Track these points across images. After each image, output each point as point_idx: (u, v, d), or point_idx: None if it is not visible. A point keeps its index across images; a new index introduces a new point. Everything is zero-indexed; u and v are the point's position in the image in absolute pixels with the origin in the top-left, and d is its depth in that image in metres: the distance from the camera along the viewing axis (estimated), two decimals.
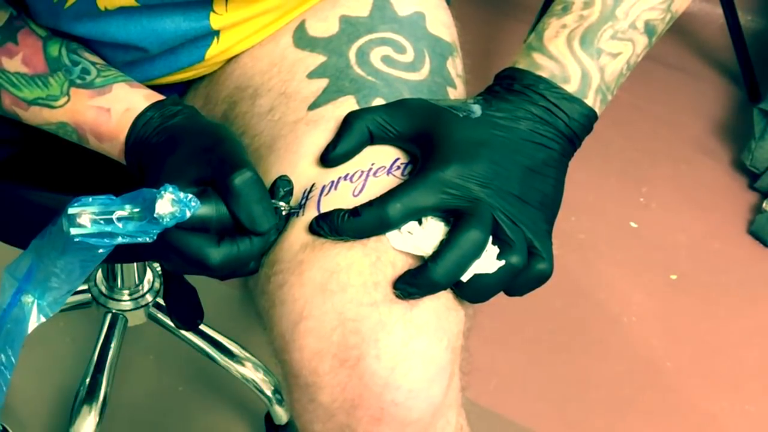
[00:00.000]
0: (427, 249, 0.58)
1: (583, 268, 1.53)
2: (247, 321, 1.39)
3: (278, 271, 0.60)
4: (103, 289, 1.17)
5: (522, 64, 0.64)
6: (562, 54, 0.63)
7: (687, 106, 1.94)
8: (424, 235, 0.59)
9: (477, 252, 0.57)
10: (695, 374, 1.39)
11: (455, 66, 0.73)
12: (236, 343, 1.22)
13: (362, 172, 0.62)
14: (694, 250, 1.61)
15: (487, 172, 0.59)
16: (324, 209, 0.60)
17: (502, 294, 0.61)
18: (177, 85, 0.79)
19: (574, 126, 0.62)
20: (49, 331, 1.35)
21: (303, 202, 0.62)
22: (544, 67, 0.63)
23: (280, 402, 1.20)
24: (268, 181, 0.64)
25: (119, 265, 1.13)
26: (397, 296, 0.57)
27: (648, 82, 2.00)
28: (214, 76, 0.77)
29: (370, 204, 0.58)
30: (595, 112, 0.63)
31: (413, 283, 0.57)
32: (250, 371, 1.20)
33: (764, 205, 1.66)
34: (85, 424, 1.11)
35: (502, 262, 0.58)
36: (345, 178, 0.62)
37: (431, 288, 0.57)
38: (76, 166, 0.85)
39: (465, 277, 0.58)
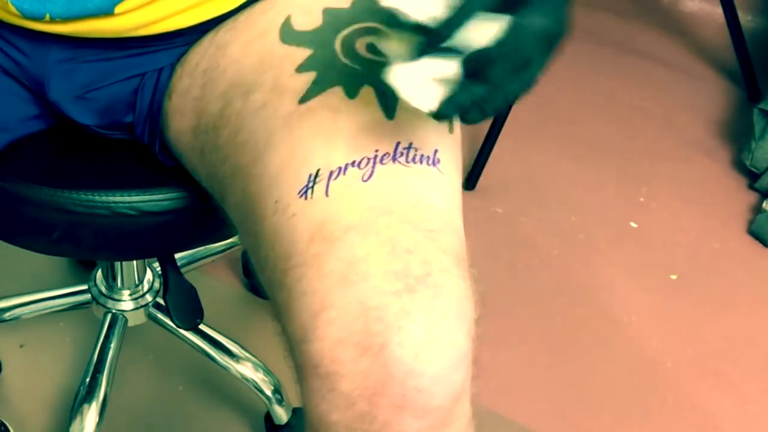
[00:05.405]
0: None
1: (583, 268, 1.52)
2: (247, 321, 1.39)
3: (294, 265, 0.61)
4: (103, 289, 1.17)
5: None
6: None
7: (687, 106, 1.94)
8: None
9: None
10: (695, 374, 1.39)
11: None
12: (236, 343, 1.22)
13: (368, 159, 0.62)
14: (694, 250, 1.61)
15: None
16: (332, 194, 0.61)
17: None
18: (163, 54, 0.79)
19: None
20: (49, 331, 1.36)
21: (311, 185, 0.62)
22: None
23: (279, 402, 1.20)
24: (270, 178, 0.64)
25: (119, 265, 1.13)
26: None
27: (648, 82, 2.00)
28: (209, 68, 0.76)
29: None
30: None
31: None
32: (249, 371, 1.20)
33: (764, 205, 1.66)
34: (85, 424, 1.11)
35: None
36: (352, 164, 0.62)
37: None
38: (76, 163, 0.85)
39: None
